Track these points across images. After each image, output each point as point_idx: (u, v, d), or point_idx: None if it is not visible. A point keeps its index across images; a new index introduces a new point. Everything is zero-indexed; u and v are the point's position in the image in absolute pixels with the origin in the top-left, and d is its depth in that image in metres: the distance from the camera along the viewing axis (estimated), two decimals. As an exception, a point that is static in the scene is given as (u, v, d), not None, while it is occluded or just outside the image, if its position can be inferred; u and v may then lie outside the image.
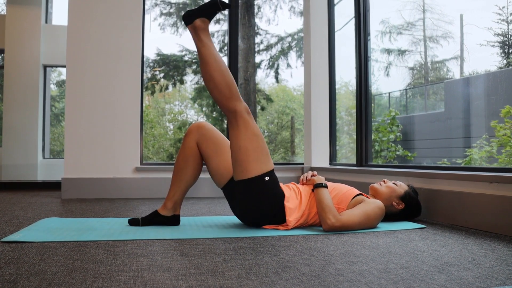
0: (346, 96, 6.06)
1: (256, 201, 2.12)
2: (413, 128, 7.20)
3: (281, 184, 2.28)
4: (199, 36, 2.13)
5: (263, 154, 2.12)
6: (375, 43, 7.05)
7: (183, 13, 8.06)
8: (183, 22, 2.21)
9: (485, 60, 5.88)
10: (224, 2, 2.13)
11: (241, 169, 2.10)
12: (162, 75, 8.10)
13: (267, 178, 2.11)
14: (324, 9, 4.61)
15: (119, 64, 4.09)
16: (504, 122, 4.49)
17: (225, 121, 5.65)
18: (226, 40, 4.81)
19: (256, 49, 8.37)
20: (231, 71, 4.59)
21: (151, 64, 7.97)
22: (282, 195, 2.16)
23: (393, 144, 6.80)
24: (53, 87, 9.40)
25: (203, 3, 2.14)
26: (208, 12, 2.13)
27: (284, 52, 8.56)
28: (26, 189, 5.00)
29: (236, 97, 2.10)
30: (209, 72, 2.09)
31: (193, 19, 2.12)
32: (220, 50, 8.23)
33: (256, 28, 8.28)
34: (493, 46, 5.74)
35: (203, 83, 8.20)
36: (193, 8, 2.17)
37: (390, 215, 2.41)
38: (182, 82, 8.37)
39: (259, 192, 2.10)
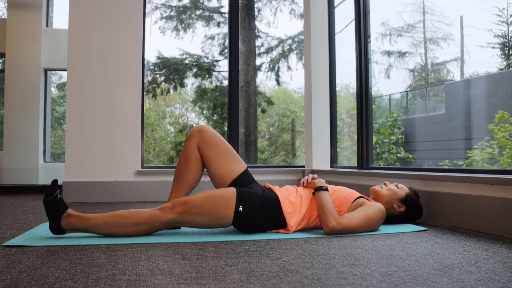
0: (347, 98, 6.06)
1: (253, 223, 2.13)
2: (414, 130, 7.20)
3: (276, 187, 2.28)
4: (80, 229, 1.96)
5: (220, 201, 2.06)
6: (376, 45, 7.06)
7: (183, 16, 8.06)
8: (60, 235, 1.98)
9: (485, 61, 5.88)
10: (48, 191, 1.93)
11: (222, 225, 2.09)
12: (162, 78, 8.10)
13: (241, 208, 2.07)
14: (324, 11, 4.61)
15: (120, 67, 4.10)
16: (499, 126, 4.49)
17: (226, 124, 5.67)
18: (227, 43, 4.81)
19: (257, 52, 8.38)
20: (232, 74, 4.61)
21: (151, 68, 7.97)
22: (275, 200, 2.16)
23: (394, 146, 6.80)
24: (54, 90, 9.41)
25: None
26: (56, 211, 1.92)
27: (284, 55, 8.56)
28: (27, 192, 5.00)
29: (154, 216, 2.01)
30: (121, 235, 2.00)
31: (60, 227, 1.93)
32: (221, 53, 8.24)
33: (256, 31, 8.28)
34: (493, 47, 5.74)
35: (203, 86, 8.22)
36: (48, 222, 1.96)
37: (391, 218, 2.41)
38: (182, 85, 8.37)
39: (249, 219, 2.10)
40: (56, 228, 1.94)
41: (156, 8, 8.04)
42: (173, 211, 2.02)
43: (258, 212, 2.10)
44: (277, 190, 2.25)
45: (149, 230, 2.04)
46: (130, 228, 2.00)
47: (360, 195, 2.30)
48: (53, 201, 1.92)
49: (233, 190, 2.11)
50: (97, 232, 1.99)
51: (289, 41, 8.62)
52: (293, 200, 2.19)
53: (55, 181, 1.96)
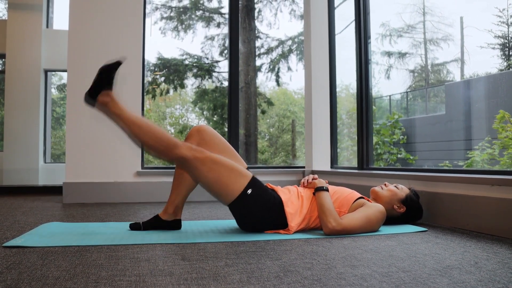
0: (347, 99, 6.06)
1: (254, 213, 2.12)
2: (414, 131, 7.20)
3: (278, 188, 2.28)
4: (110, 111, 2.01)
5: (233, 173, 2.07)
6: (376, 46, 7.06)
7: (183, 17, 8.06)
8: (88, 105, 2.04)
9: (485, 62, 5.89)
10: (113, 64, 2.00)
11: (223, 197, 2.09)
12: (162, 79, 8.11)
13: (249, 191, 2.07)
14: (324, 12, 4.62)
15: (120, 68, 4.09)
16: (500, 126, 4.49)
17: (226, 124, 5.67)
18: (227, 44, 4.81)
19: (257, 53, 8.38)
20: (232, 74, 4.61)
21: (151, 68, 7.98)
22: (278, 200, 2.15)
23: (393, 147, 6.80)
24: (54, 91, 9.41)
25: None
26: (105, 82, 2.00)
27: (284, 56, 8.57)
28: (27, 193, 5.00)
29: (174, 144, 2.03)
30: (136, 139, 2.02)
31: (95, 98, 2.00)
32: (221, 54, 8.24)
33: (256, 32, 8.29)
34: (493, 48, 5.74)
35: (203, 87, 8.22)
36: (90, 87, 2.02)
37: (391, 219, 2.41)
38: (182, 86, 8.37)
39: (251, 205, 2.09)
40: (92, 95, 1.98)
41: (156, 8, 8.05)
42: (191, 151, 2.02)
43: (262, 204, 2.10)
44: (280, 191, 2.24)
45: (162, 152, 2.03)
46: (150, 138, 2.00)
47: (360, 195, 2.30)
48: (110, 72, 1.98)
49: (250, 173, 2.13)
50: (120, 123, 1.99)
51: (289, 42, 8.63)
52: (294, 201, 2.19)
53: (120, 62, 2.02)
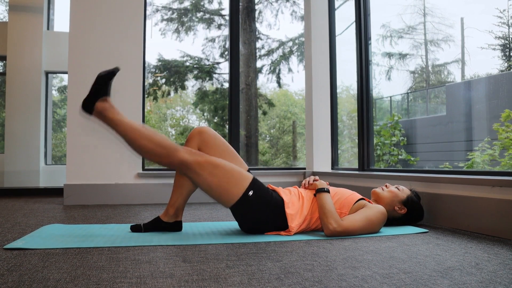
0: (348, 100, 6.06)
1: (256, 215, 2.12)
2: (415, 132, 7.19)
3: (280, 189, 2.28)
4: (107, 118, 2.00)
5: (234, 176, 2.07)
6: (376, 47, 7.06)
7: (184, 19, 8.07)
8: (85, 113, 2.02)
9: (486, 63, 5.88)
10: (109, 72, 1.99)
11: (224, 200, 2.09)
12: (163, 80, 8.11)
13: (250, 193, 2.07)
14: (325, 13, 4.62)
15: (121, 69, 4.09)
16: (505, 125, 4.49)
17: (227, 126, 5.67)
18: (228, 45, 4.82)
19: (257, 54, 8.38)
20: (233, 76, 4.61)
21: (152, 70, 7.98)
22: (280, 202, 2.15)
23: (395, 148, 6.79)
24: (54, 93, 9.42)
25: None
26: (101, 90, 1.99)
27: (285, 57, 8.57)
28: (28, 195, 5.00)
29: (173, 149, 2.02)
30: (135, 145, 2.01)
31: (92, 105, 1.99)
32: (222, 55, 8.25)
33: (257, 33, 8.29)
34: (494, 49, 5.74)
35: (204, 88, 8.22)
36: (88, 94, 2.01)
37: (392, 220, 2.41)
38: (183, 87, 8.38)
39: (253, 208, 2.09)
40: (90, 103, 1.97)
41: (157, 10, 8.06)
42: (192, 155, 2.02)
43: (263, 206, 2.10)
44: (281, 192, 2.24)
45: (162, 157, 2.02)
46: (149, 144, 1.99)
47: (361, 197, 2.30)
48: (107, 79, 1.97)
49: (250, 175, 2.13)
50: (118, 130, 1.99)
51: (290, 43, 8.63)
52: (295, 202, 2.19)
53: (117, 69, 2.01)
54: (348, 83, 5.64)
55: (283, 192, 2.25)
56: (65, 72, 7.53)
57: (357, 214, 2.16)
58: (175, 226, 2.28)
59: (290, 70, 8.50)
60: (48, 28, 7.71)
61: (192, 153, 2.04)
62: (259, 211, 2.11)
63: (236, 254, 1.72)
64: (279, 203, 2.15)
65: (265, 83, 8.79)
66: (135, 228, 2.25)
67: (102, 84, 1.97)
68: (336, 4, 4.64)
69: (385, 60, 7.35)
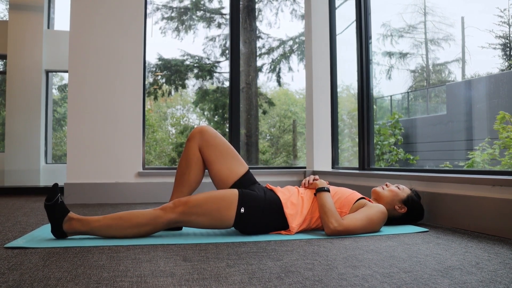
0: (348, 99, 6.06)
1: (254, 225, 2.13)
2: (415, 131, 7.19)
3: (278, 188, 2.28)
4: (82, 231, 1.96)
5: (220, 203, 2.06)
6: (377, 46, 7.05)
7: (184, 18, 8.06)
8: (61, 238, 1.98)
9: (486, 62, 5.88)
10: (49, 195, 1.93)
11: (223, 226, 2.10)
12: (163, 79, 8.11)
13: (242, 210, 2.07)
14: (325, 12, 4.62)
15: (121, 68, 4.11)
16: (501, 127, 4.49)
17: (227, 125, 5.67)
18: (228, 44, 4.82)
19: (258, 53, 8.38)
20: (233, 75, 4.61)
21: (152, 69, 7.98)
22: (277, 202, 2.16)
23: (394, 147, 6.79)
24: (55, 92, 9.42)
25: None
26: (57, 214, 1.93)
27: (285, 56, 8.56)
28: (28, 194, 5.01)
29: (156, 218, 2.00)
30: (123, 237, 2.00)
31: (62, 231, 1.94)
32: (222, 54, 8.24)
33: (257, 32, 8.29)
34: (494, 48, 5.74)
35: (204, 87, 8.22)
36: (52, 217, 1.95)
37: (392, 219, 2.41)
38: (184, 86, 8.38)
39: (251, 221, 2.11)
40: (58, 232, 1.95)
41: (157, 9, 8.05)
42: (174, 211, 2.02)
43: (259, 214, 2.10)
44: (278, 191, 2.24)
45: (151, 231, 2.04)
46: (131, 229, 2.00)
47: (361, 196, 2.30)
48: (54, 205, 1.92)
49: (235, 191, 2.11)
50: (99, 234, 1.99)
51: (290, 42, 8.63)
52: (295, 202, 2.19)
53: (55, 185, 1.96)
54: (349, 82, 5.64)
55: (281, 192, 2.24)
56: (66, 71, 7.53)
57: (357, 213, 2.16)
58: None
59: (290, 69, 8.50)
60: (48, 27, 7.70)
61: (173, 209, 2.02)
62: (258, 220, 2.12)
63: (237, 253, 1.72)
64: (276, 204, 2.15)
65: (266, 82, 8.79)
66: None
67: (53, 209, 1.92)
68: (337, 3, 4.64)
69: (385, 59, 7.35)
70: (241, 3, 5.84)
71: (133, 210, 2.05)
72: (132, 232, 2.01)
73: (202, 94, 8.31)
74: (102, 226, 1.97)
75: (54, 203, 1.93)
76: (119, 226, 1.99)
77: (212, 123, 8.55)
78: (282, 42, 8.56)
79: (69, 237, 2.00)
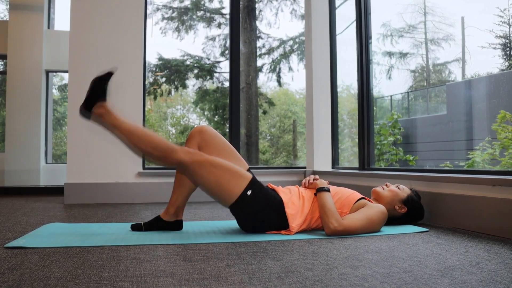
0: (348, 99, 6.05)
1: (255, 214, 2.12)
2: (415, 131, 7.19)
3: (279, 188, 2.28)
4: (105, 123, 2.02)
5: (232, 175, 2.07)
6: (377, 46, 7.05)
7: (184, 18, 8.06)
8: (84, 118, 2.06)
9: (487, 62, 5.88)
10: (104, 75, 2.02)
11: (223, 199, 2.10)
12: (164, 79, 8.11)
13: (249, 193, 2.08)
14: (325, 12, 4.62)
15: (121, 68, 4.09)
16: (501, 126, 4.49)
17: (227, 125, 5.67)
18: (228, 44, 4.82)
19: (258, 53, 8.38)
20: (233, 75, 4.61)
21: (153, 69, 7.98)
22: (279, 201, 2.16)
23: (394, 148, 6.79)
24: (55, 92, 9.42)
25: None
26: (98, 94, 2.01)
27: (285, 56, 8.56)
28: (29, 194, 5.01)
29: (171, 150, 2.03)
30: (134, 148, 2.04)
31: (90, 110, 2.01)
32: (222, 54, 8.24)
33: (257, 32, 8.29)
34: (494, 48, 5.73)
35: (205, 87, 8.22)
36: (87, 96, 2.03)
37: (393, 219, 2.41)
38: (184, 86, 8.38)
39: (251, 207, 2.10)
40: (87, 108, 1.99)
41: (157, 9, 8.05)
42: (189, 155, 2.03)
43: (261, 205, 2.10)
44: (280, 191, 2.24)
45: (160, 159, 2.04)
46: (147, 146, 2.01)
47: (361, 196, 2.30)
48: (103, 83, 2.00)
49: (249, 174, 2.14)
50: (117, 133, 2.01)
51: (290, 42, 8.63)
52: (295, 202, 2.19)
53: (112, 71, 2.04)
54: (349, 82, 5.64)
55: (282, 192, 2.25)
56: (66, 71, 7.52)
57: (357, 213, 2.16)
58: (176, 225, 2.28)
59: (290, 69, 8.50)
60: (48, 27, 7.71)
61: (190, 153, 2.05)
62: (258, 210, 2.11)
63: (237, 253, 1.72)
64: (279, 203, 2.15)
65: (266, 82, 8.79)
66: (136, 227, 2.25)
67: (98, 88, 1.99)
68: (337, 3, 4.64)
69: (385, 59, 7.34)
70: (241, 3, 5.84)
71: (157, 135, 2.07)
72: (145, 149, 2.02)
73: (202, 94, 8.31)
74: (125, 128, 2.00)
75: (105, 81, 2.00)
76: (139, 137, 2.01)
77: (212, 123, 8.55)
78: (282, 42, 8.56)
79: (68, 236, 1.99)
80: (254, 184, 2.11)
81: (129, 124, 2.03)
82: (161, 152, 2.03)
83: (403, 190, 2.42)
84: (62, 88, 9.52)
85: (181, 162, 2.03)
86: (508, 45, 5.79)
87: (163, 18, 8.08)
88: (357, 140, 3.99)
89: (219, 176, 2.04)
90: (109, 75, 2.02)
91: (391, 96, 7.95)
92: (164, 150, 2.03)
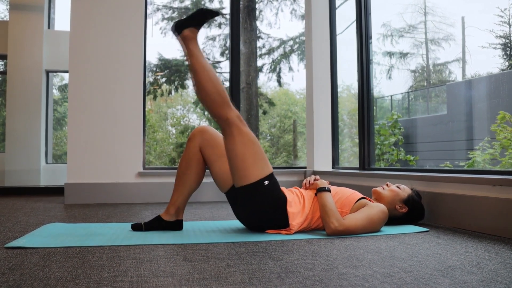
0: (348, 99, 6.05)
1: (258, 206, 2.12)
2: (416, 131, 7.19)
3: (283, 188, 2.28)
4: (188, 46, 2.14)
5: (260, 159, 2.11)
6: (377, 46, 7.05)
7: (184, 17, 8.09)
8: (171, 32, 2.22)
9: (487, 62, 5.88)
10: (211, 11, 2.14)
11: (240, 175, 2.10)
12: (164, 79, 8.11)
13: (266, 182, 2.10)
14: (326, 12, 4.62)
15: (121, 68, 4.11)
16: (501, 127, 4.49)
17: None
18: (228, 44, 4.82)
19: (258, 53, 8.38)
20: (233, 75, 4.61)
21: (153, 69, 7.98)
22: (284, 200, 2.16)
23: (394, 148, 6.79)
24: (55, 92, 9.42)
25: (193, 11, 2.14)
26: (196, 22, 2.13)
27: (286, 56, 8.57)
28: (29, 194, 5.01)
29: (228, 105, 2.10)
30: (200, 81, 2.09)
31: (182, 29, 2.12)
32: (222, 54, 8.25)
33: (258, 32, 8.29)
34: (495, 48, 5.73)
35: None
36: (182, 18, 2.18)
37: (393, 219, 2.41)
38: (184, 86, 8.38)
39: (260, 197, 2.10)
40: (181, 27, 2.12)
41: (158, 9, 8.06)
42: (238, 119, 2.10)
43: (269, 201, 2.11)
44: (285, 190, 2.25)
45: (215, 105, 2.09)
46: (212, 88, 2.09)
47: (362, 196, 2.30)
48: (207, 16, 2.14)
49: (271, 168, 2.19)
50: (192, 61, 2.12)
51: (291, 42, 8.63)
52: (297, 201, 2.20)
53: (219, 13, 2.19)
54: (349, 82, 5.64)
55: (286, 191, 2.25)
56: (66, 71, 7.52)
57: (358, 213, 2.16)
58: (176, 225, 2.28)
59: (290, 69, 8.51)
60: (48, 27, 7.71)
61: (239, 118, 2.11)
62: (264, 204, 2.11)
63: (237, 253, 1.72)
64: (283, 201, 2.15)
65: (266, 82, 8.80)
66: (136, 227, 2.25)
67: (199, 17, 2.12)
68: (337, 3, 4.64)
69: (386, 59, 7.35)
70: (241, 3, 5.84)
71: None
72: (210, 89, 2.09)
73: (203, 94, 8.30)
74: (201, 62, 2.12)
75: (208, 15, 2.14)
76: (210, 76, 2.10)
77: (212, 123, 8.55)
78: (282, 42, 8.57)
79: (69, 236, 1.99)
80: (272, 178, 2.15)
81: (206, 61, 2.14)
82: (220, 99, 2.08)
83: (403, 190, 2.42)
84: (62, 88, 9.52)
85: (228, 119, 2.08)
86: (508, 45, 5.79)
87: (163, 18, 8.08)
88: (357, 140, 3.99)
89: (249, 153, 2.08)
90: (216, 14, 2.15)
91: (391, 96, 7.95)
92: (224, 99, 2.09)
